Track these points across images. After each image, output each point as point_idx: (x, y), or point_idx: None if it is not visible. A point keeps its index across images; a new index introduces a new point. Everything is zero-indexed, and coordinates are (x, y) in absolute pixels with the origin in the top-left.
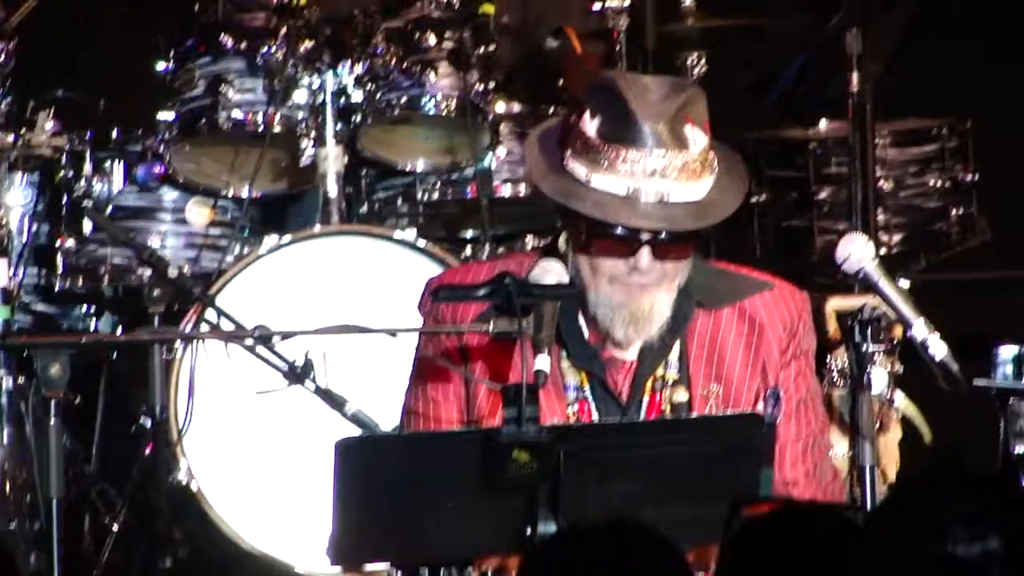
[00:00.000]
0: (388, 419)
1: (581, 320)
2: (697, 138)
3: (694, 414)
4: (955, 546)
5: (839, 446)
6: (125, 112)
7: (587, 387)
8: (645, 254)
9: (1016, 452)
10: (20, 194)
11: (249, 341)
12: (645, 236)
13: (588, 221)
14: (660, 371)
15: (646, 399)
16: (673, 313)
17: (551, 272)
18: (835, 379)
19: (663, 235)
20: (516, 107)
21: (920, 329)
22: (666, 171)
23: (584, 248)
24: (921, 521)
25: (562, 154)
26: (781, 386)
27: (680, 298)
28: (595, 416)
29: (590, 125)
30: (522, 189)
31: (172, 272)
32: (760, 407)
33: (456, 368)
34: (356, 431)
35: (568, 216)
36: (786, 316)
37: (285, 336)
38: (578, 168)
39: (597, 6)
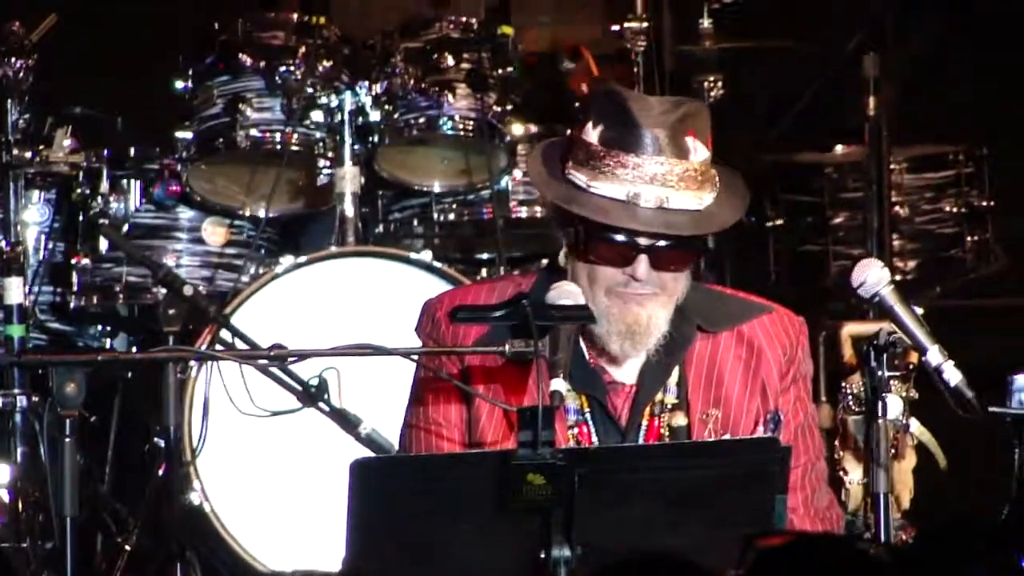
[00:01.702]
0: None
1: (583, 344)
2: (698, 149)
3: (695, 438)
4: None
5: (854, 473)
6: (143, 130)
7: (587, 410)
8: (643, 262)
9: None
10: (36, 211)
11: (263, 361)
12: (643, 242)
13: (588, 227)
14: (659, 396)
15: (645, 423)
16: (673, 336)
17: (568, 295)
18: (850, 405)
19: (661, 243)
20: (533, 128)
21: (935, 355)
22: (666, 177)
23: (583, 256)
24: (942, 565)
25: (564, 165)
26: (780, 411)
27: (680, 320)
28: (595, 439)
29: (592, 133)
30: (538, 211)
31: (187, 291)
32: (759, 431)
33: (469, 389)
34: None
35: (568, 224)
36: (785, 340)
37: (300, 356)
38: (579, 176)
39: (616, 27)
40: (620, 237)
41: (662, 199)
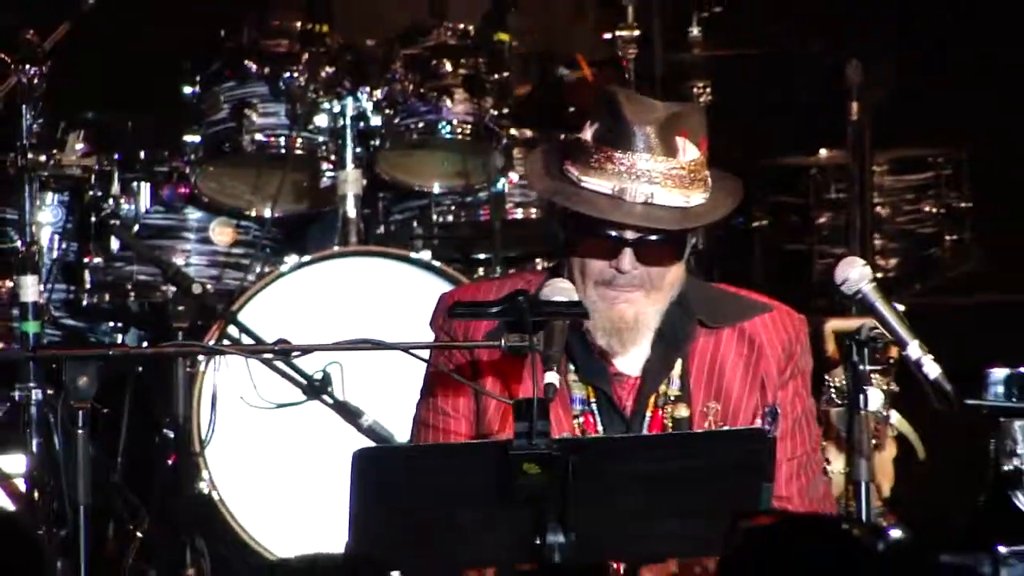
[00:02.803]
0: (403, 431)
1: (588, 337)
2: (688, 149)
3: (696, 430)
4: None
5: (836, 462)
6: (152, 134)
7: (593, 401)
8: (628, 255)
9: (1006, 469)
10: (50, 213)
11: (269, 356)
12: (629, 235)
13: (578, 220)
14: (663, 388)
15: (649, 414)
16: (675, 330)
17: (561, 291)
18: (833, 397)
19: (647, 236)
20: (529, 133)
21: (915, 350)
22: (653, 174)
23: (574, 250)
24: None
25: (562, 162)
26: (779, 404)
27: (682, 316)
28: (600, 429)
29: (588, 131)
30: (533, 212)
31: (196, 289)
32: (758, 424)
33: (468, 383)
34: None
35: (562, 219)
36: (784, 337)
37: (304, 351)
38: (572, 171)
39: (608, 35)
40: (606, 230)
41: (648, 195)
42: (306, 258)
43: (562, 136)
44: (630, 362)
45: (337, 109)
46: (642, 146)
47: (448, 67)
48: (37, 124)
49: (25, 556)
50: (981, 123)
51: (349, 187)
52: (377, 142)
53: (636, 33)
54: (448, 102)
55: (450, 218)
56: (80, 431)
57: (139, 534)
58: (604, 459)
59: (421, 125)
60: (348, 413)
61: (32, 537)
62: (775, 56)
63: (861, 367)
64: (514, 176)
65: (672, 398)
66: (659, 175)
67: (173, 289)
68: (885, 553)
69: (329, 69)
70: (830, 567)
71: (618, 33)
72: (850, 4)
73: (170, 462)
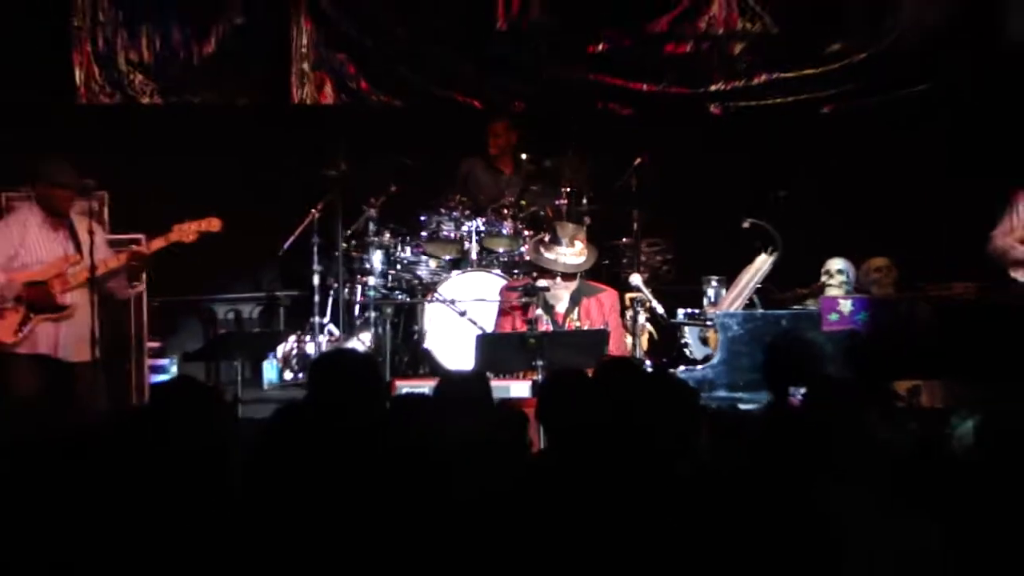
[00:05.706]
0: (489, 329)
1: (549, 300)
2: (579, 243)
3: (582, 329)
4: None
5: (627, 339)
6: (410, 232)
7: (549, 321)
8: (559, 279)
9: (682, 341)
10: (379, 256)
11: (447, 302)
12: (560, 272)
13: (542, 268)
14: (571, 316)
15: (567, 325)
16: (575, 298)
17: (542, 282)
18: (627, 319)
19: (565, 273)
20: (532, 232)
21: (656, 303)
22: (567, 254)
23: (542, 276)
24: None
25: (538, 247)
26: (608, 322)
27: (578, 293)
28: (551, 329)
29: (546, 236)
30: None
31: (425, 281)
32: (602, 327)
33: (511, 312)
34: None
35: (538, 267)
36: (612, 299)
37: (459, 302)
38: (541, 250)
39: (557, 202)
40: (552, 273)
41: (566, 260)
42: (459, 271)
43: (540, 234)
44: (561, 308)
45: (471, 225)
46: (564, 243)
47: (505, 211)
48: (372, 229)
49: (373, 368)
50: (678, 225)
51: (473, 248)
52: (481, 235)
53: (565, 201)
54: (504, 224)
55: (506, 259)
56: (388, 327)
57: (405, 359)
58: (556, 339)
59: (495, 230)
60: (473, 323)
61: (375, 363)
62: (610, 206)
63: (638, 309)
64: (526, 247)
65: (574, 318)
66: (569, 254)
67: (416, 280)
68: (645, 372)
69: (468, 211)
70: (626, 375)
71: (559, 202)
72: (630, 180)
73: (415, 337)
